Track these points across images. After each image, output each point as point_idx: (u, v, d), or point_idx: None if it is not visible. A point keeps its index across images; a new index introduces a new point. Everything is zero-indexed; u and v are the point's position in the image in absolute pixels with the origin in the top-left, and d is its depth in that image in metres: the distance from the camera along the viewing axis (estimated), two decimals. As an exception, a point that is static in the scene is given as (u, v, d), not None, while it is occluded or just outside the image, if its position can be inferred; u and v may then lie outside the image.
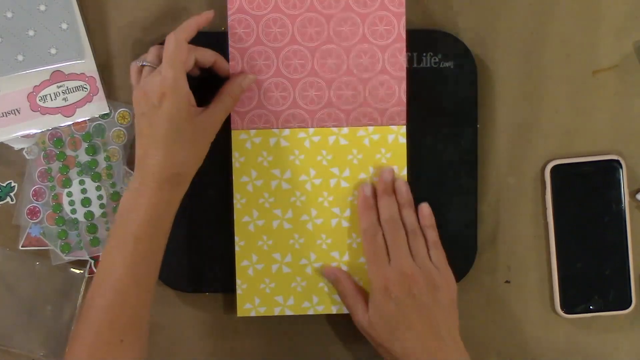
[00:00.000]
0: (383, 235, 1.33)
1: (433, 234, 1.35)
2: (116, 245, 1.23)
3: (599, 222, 1.40)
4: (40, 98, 1.37)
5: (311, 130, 1.37)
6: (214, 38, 1.37)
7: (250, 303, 1.38)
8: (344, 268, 1.38)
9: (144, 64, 1.28)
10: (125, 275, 1.21)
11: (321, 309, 1.38)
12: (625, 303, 1.42)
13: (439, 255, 1.34)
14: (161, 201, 1.24)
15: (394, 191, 1.36)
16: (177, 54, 1.24)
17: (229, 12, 1.36)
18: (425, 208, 1.36)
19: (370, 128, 1.37)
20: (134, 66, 1.29)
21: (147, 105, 1.24)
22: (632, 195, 1.42)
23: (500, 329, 1.43)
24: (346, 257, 1.38)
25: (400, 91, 1.37)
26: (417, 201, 1.37)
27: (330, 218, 1.37)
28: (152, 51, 1.29)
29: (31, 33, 1.35)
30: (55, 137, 1.38)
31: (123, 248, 1.22)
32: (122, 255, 1.21)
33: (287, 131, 1.37)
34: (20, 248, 1.39)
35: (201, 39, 1.37)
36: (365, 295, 1.34)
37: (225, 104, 1.31)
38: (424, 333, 1.28)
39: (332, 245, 1.38)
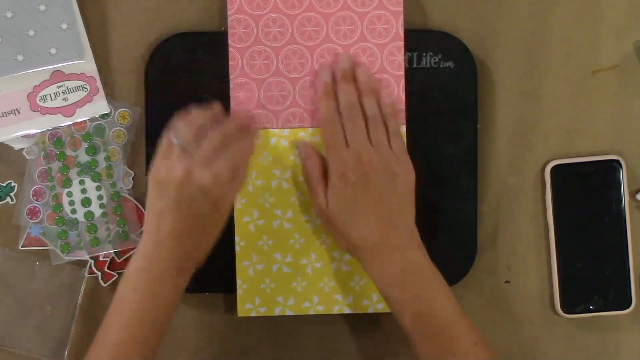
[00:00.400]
0: (342, 123, 1.31)
1: (394, 123, 1.33)
2: (117, 323, 1.22)
3: (599, 222, 1.40)
4: (40, 98, 1.37)
5: (311, 129, 1.37)
6: (214, 38, 1.37)
7: (251, 303, 1.38)
8: (345, 268, 1.38)
9: (179, 142, 1.25)
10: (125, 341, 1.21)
11: (321, 309, 1.38)
12: (625, 303, 1.42)
13: (398, 143, 1.32)
14: (170, 287, 1.24)
15: (354, 79, 1.34)
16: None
17: (229, 12, 1.36)
18: (386, 97, 1.34)
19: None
20: (166, 140, 1.27)
21: (178, 191, 1.22)
22: (632, 195, 1.42)
23: (500, 329, 1.43)
24: (347, 257, 1.37)
25: (399, 90, 1.37)
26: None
27: None
28: (188, 130, 1.25)
29: (31, 33, 1.35)
30: (55, 137, 1.39)
31: (126, 327, 1.22)
32: (125, 331, 1.22)
33: (287, 131, 1.37)
34: (20, 248, 1.39)
35: (202, 39, 1.37)
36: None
37: (240, 184, 1.30)
38: (379, 220, 1.27)
39: (333, 245, 1.38)
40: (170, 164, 1.24)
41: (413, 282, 1.26)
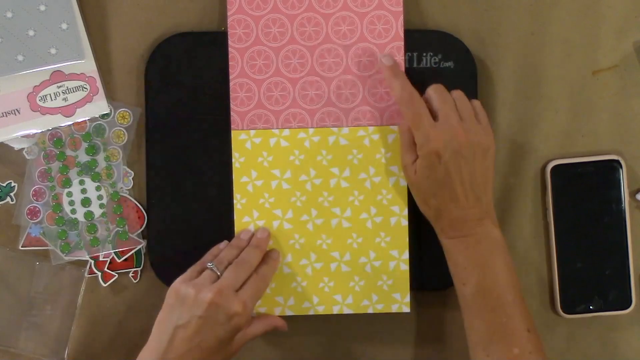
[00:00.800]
0: (420, 97, 1.32)
1: (475, 100, 1.34)
2: None
3: (599, 222, 1.40)
4: (40, 98, 1.37)
5: (311, 130, 1.37)
6: (214, 38, 1.37)
7: None
8: (345, 268, 1.38)
9: (211, 267, 1.30)
10: None
11: (322, 309, 1.38)
12: (625, 303, 1.41)
13: (483, 115, 1.33)
14: None
15: None
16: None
17: (229, 13, 1.36)
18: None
19: (371, 128, 1.37)
20: (201, 262, 1.33)
21: (204, 311, 1.25)
22: (632, 195, 1.42)
23: (501, 329, 1.43)
24: (347, 257, 1.38)
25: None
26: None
27: (331, 218, 1.37)
28: (224, 258, 1.32)
29: (31, 33, 1.35)
30: (55, 137, 1.39)
31: None
32: None
33: (287, 131, 1.37)
34: (20, 248, 1.39)
35: (202, 39, 1.37)
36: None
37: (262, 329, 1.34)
38: (465, 194, 1.29)
39: (333, 245, 1.38)
40: (200, 283, 1.28)
41: (483, 253, 1.28)
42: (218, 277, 1.29)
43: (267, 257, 1.35)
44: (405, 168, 1.33)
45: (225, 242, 1.36)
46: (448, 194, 1.29)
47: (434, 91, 1.32)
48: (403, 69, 1.37)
